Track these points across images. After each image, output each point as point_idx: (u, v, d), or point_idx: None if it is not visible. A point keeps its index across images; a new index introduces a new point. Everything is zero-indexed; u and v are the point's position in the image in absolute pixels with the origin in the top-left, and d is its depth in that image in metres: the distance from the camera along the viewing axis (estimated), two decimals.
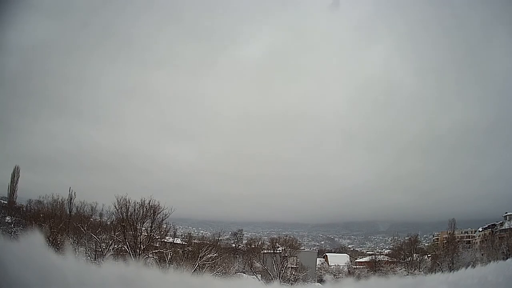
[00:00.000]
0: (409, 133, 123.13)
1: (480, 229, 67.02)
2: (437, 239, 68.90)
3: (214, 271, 38.94)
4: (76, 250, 38.47)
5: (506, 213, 62.90)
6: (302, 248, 60.26)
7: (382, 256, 60.20)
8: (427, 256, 55.83)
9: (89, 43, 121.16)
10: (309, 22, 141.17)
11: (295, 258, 51.43)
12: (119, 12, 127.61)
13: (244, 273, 48.49)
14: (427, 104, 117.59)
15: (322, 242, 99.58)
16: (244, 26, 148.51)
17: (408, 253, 53.56)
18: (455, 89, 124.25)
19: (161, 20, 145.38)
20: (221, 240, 55.51)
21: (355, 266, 60.95)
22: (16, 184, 60.46)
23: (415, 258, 52.33)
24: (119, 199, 40.91)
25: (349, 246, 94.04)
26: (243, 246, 67.50)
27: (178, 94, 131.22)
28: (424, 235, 76.13)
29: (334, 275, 52.64)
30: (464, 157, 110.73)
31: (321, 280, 47.73)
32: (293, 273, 48.90)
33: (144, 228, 41.92)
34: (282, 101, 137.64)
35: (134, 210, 41.11)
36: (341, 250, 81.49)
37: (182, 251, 44.45)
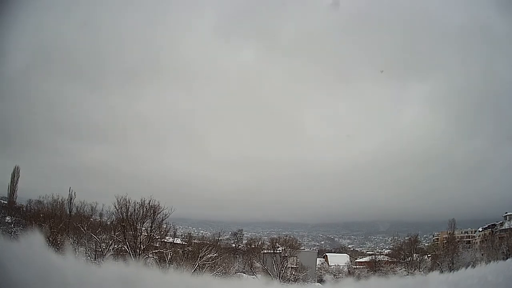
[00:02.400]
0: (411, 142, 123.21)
1: (480, 229, 66.88)
2: (437, 239, 68.77)
3: (214, 271, 38.94)
4: (76, 250, 38.44)
5: (506, 213, 62.76)
6: (302, 248, 60.19)
7: (382, 256, 60.12)
8: (427, 256, 55.79)
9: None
10: None
11: (295, 258, 51.42)
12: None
13: (244, 273, 48.47)
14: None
15: (322, 242, 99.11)
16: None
17: (408, 253, 53.56)
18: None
19: None
20: (221, 240, 55.51)
21: (355, 266, 60.84)
22: (16, 184, 60.30)
23: (415, 258, 52.32)
24: (119, 199, 41.01)
25: (349, 246, 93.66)
26: (243, 246, 67.36)
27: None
28: (424, 235, 75.85)
29: (334, 275, 52.58)
30: (464, 157, 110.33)
31: (321, 280, 47.74)
32: (293, 273, 48.90)
33: (144, 228, 41.93)
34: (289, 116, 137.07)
35: (134, 210, 41.20)
36: (341, 250, 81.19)
37: (182, 251, 44.43)
